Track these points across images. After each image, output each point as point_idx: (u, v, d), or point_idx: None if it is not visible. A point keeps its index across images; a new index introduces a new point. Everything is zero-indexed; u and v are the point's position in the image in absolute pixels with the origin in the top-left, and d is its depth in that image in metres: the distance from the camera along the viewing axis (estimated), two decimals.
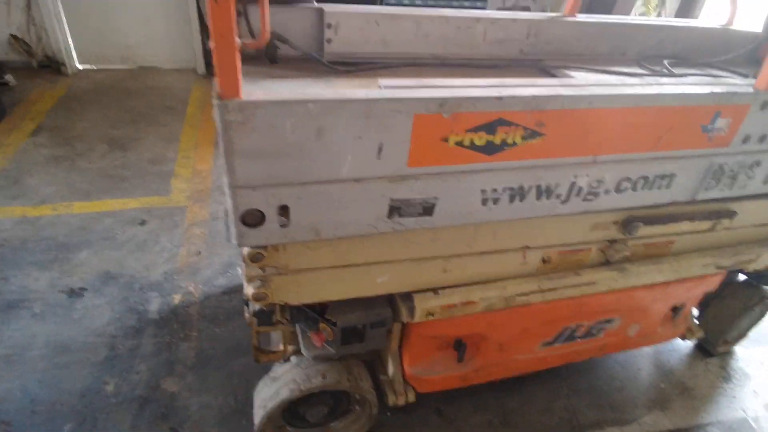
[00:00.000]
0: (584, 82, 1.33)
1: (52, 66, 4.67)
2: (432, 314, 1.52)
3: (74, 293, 2.39)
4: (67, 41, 4.72)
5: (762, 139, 1.48)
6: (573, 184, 1.35)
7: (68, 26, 4.70)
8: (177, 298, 2.42)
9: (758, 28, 2.31)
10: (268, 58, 1.81)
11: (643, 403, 2.16)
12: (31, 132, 3.65)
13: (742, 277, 2.30)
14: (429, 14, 1.92)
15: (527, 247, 1.56)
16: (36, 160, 3.33)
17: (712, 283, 1.98)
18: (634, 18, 2.32)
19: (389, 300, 1.61)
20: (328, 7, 1.79)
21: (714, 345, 2.36)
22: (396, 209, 1.21)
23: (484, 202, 1.28)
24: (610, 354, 2.37)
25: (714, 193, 1.57)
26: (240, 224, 1.11)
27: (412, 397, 1.81)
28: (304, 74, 1.62)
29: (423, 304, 1.49)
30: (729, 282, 2.32)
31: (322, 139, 1.04)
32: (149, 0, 4.81)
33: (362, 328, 1.59)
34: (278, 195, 1.09)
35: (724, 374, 2.35)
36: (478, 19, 1.98)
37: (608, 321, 1.89)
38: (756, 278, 2.23)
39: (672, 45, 2.30)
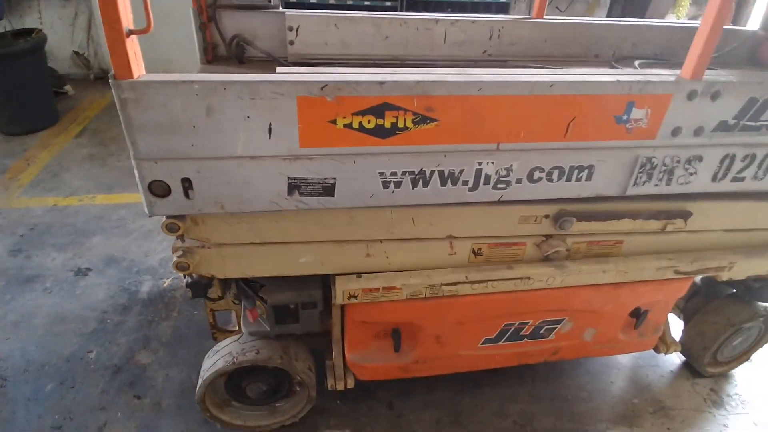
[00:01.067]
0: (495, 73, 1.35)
1: (106, 78, 5.25)
2: (354, 297, 1.58)
3: (80, 272, 2.67)
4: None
5: (698, 131, 1.42)
6: (479, 171, 1.37)
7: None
8: (167, 282, 2.64)
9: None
10: (236, 58, 1.99)
11: (608, 417, 2.05)
12: (76, 134, 4.13)
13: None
14: (388, 17, 2.02)
15: (452, 237, 1.58)
16: (74, 157, 3.77)
17: (677, 290, 1.87)
18: (607, 19, 2.27)
19: (324, 282, 1.68)
20: (289, 12, 1.95)
21: (700, 364, 2.19)
22: (295, 187, 1.30)
23: (386, 185, 1.34)
24: (577, 361, 2.27)
25: (648, 189, 1.51)
26: (148, 194, 1.25)
27: (351, 383, 1.85)
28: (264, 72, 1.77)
29: (344, 286, 1.55)
30: (715, 295, 2.16)
31: (212, 118, 1.16)
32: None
33: (295, 308, 1.67)
34: (179, 168, 1.22)
35: (715, 398, 2.17)
36: (437, 21, 2.05)
37: (556, 322, 1.84)
38: (746, 292, 2.06)
39: (651, 46, 2.24)
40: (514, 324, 1.81)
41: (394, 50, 2.09)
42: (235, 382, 1.81)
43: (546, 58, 2.20)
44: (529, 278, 1.66)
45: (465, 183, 1.38)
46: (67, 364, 2.16)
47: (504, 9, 5.95)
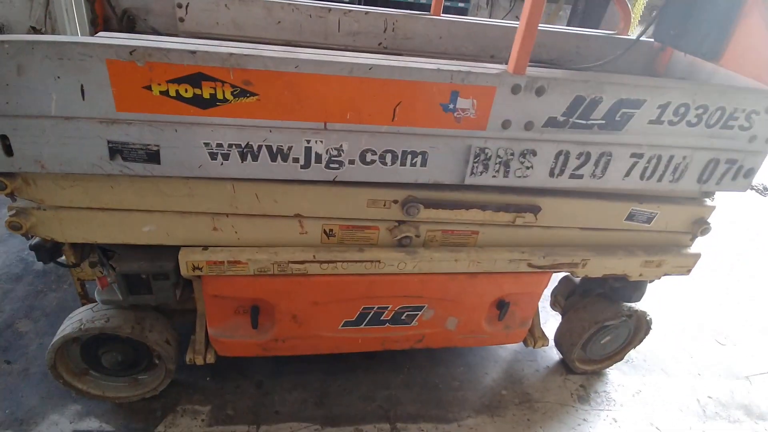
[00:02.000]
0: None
1: None
2: (199, 269, 1.60)
3: None
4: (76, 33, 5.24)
5: (529, 126, 1.47)
6: (309, 149, 1.40)
7: (78, 20, 5.22)
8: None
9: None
10: (127, 31, 2.00)
11: (473, 406, 2.10)
12: None
13: None
14: (279, 1, 2.05)
15: (301, 216, 1.61)
16: None
17: (536, 284, 1.93)
18: (504, 21, 2.33)
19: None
20: None
21: (570, 359, 2.26)
22: (117, 152, 1.32)
23: (213, 156, 1.36)
24: (456, 353, 2.32)
25: (486, 180, 1.56)
26: None
27: (211, 359, 1.87)
28: None
29: (188, 257, 1.57)
30: (589, 293, 2.23)
31: (23, 76, 1.17)
32: None
33: (146, 279, 1.69)
34: None
35: (582, 394, 2.24)
36: (329, 9, 2.09)
37: (417, 309, 1.88)
38: (611, 292, 2.14)
39: (547, 50, 2.31)
40: (373, 308, 1.85)
41: (287, 35, 2.12)
42: (92, 351, 1.81)
43: (441, 55, 2.25)
44: (379, 262, 1.70)
45: (296, 160, 1.41)
46: None
47: (462, 13, 6.06)
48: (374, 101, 1.35)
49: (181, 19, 2.02)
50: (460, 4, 5.59)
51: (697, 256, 1.98)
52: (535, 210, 1.73)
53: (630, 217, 1.85)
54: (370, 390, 2.11)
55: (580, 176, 1.62)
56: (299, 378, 2.11)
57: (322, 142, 1.39)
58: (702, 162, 1.66)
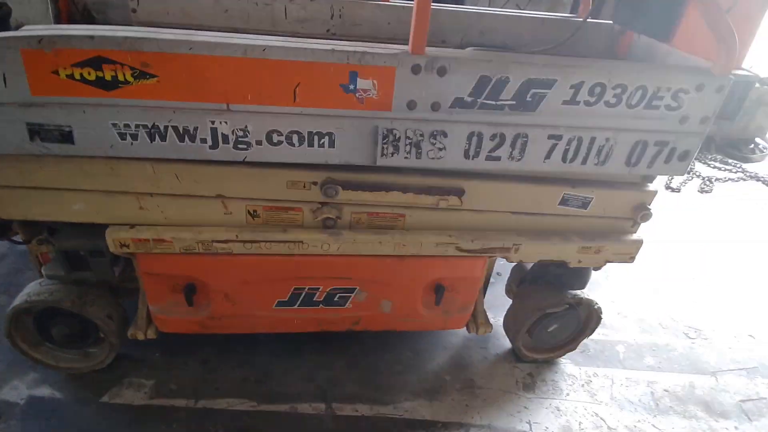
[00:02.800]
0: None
1: None
2: (126, 246, 1.68)
3: None
4: None
5: (435, 107, 1.47)
6: (214, 130, 1.45)
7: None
8: None
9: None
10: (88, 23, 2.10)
11: (413, 390, 2.12)
12: None
13: None
14: None
15: (223, 197, 1.66)
16: None
17: (469, 269, 1.92)
18: (454, 6, 2.30)
19: None
20: None
21: (517, 347, 2.23)
22: (35, 133, 1.40)
23: (122, 136, 1.43)
24: (406, 338, 2.34)
25: (399, 161, 1.57)
26: None
27: (152, 334, 1.96)
28: None
29: (114, 235, 1.66)
30: (536, 279, 2.21)
31: None
32: None
33: (84, 255, 1.78)
34: None
35: (529, 382, 2.21)
36: None
37: (348, 290, 1.91)
38: (556, 279, 2.10)
39: (499, 34, 2.28)
40: (305, 288, 1.89)
41: (235, 23, 2.17)
42: (44, 323, 1.93)
43: (391, 41, 2.25)
44: (302, 242, 1.74)
45: (203, 141, 1.46)
46: None
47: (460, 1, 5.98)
48: (273, 82, 1.38)
49: (134, 10, 2.10)
50: None
51: (639, 242, 1.92)
52: (459, 193, 1.72)
53: (564, 201, 1.82)
54: (313, 371, 2.15)
55: (498, 158, 1.60)
56: (245, 357, 2.18)
57: (226, 123, 1.44)
58: (628, 144, 1.62)
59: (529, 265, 2.28)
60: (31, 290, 1.83)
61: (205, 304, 1.91)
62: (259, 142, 1.49)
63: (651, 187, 1.85)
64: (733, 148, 4.87)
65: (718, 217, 3.80)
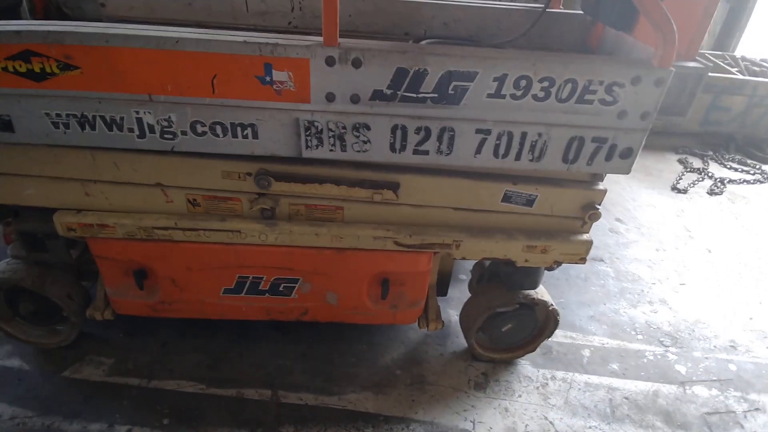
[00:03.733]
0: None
1: None
2: (73, 230, 1.76)
3: None
4: None
5: (355, 99, 1.46)
6: (140, 120, 1.49)
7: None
8: None
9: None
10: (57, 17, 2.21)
11: (361, 383, 2.12)
12: None
13: None
14: None
15: (162, 185, 1.72)
16: None
17: (413, 264, 1.89)
18: None
19: None
20: None
21: (470, 345, 2.20)
22: None
23: (55, 125, 1.50)
24: (364, 331, 2.34)
25: (324, 154, 1.57)
26: None
27: (109, 315, 2.05)
28: None
29: (62, 219, 1.74)
30: (493, 277, 2.16)
31: None
32: None
33: (42, 237, 1.89)
34: None
35: (481, 381, 2.18)
36: None
37: (292, 281, 1.93)
38: (509, 277, 2.04)
39: (464, 26, 2.23)
40: (249, 277, 1.93)
41: (198, 16, 2.22)
42: (13, 300, 2.06)
43: (352, 33, 2.25)
44: (240, 232, 1.77)
45: (131, 130, 1.52)
46: None
47: None
48: (190, 74, 1.41)
49: (103, 5, 2.19)
50: None
51: (588, 243, 1.84)
52: (394, 187, 1.71)
53: (506, 198, 1.77)
54: (266, 358, 2.20)
55: (426, 152, 1.58)
56: (203, 342, 2.25)
57: (150, 113, 1.48)
58: (563, 140, 1.55)
59: (488, 263, 2.23)
60: None
61: (155, 288, 1.99)
62: (184, 132, 1.52)
63: (600, 185, 1.77)
64: (754, 148, 4.56)
65: (718, 220, 3.58)
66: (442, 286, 2.23)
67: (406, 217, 1.81)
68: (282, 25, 2.24)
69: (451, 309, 2.50)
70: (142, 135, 1.53)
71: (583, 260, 1.89)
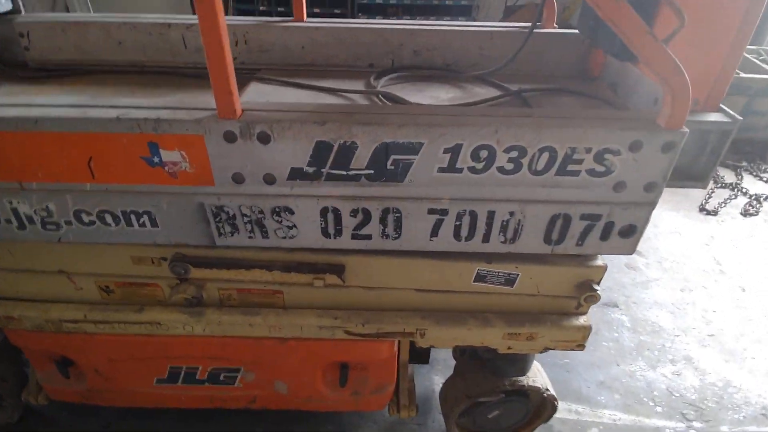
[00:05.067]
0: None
1: None
2: None
3: None
4: None
5: (270, 180, 1.15)
6: (15, 210, 1.22)
7: None
8: None
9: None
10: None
11: None
12: None
13: None
14: (116, 21, 1.88)
15: (65, 272, 1.45)
16: None
17: (373, 352, 1.58)
18: (380, 21, 1.92)
19: None
20: (20, 17, 1.89)
21: (450, 430, 1.87)
22: None
23: None
24: (331, 412, 2.03)
25: (243, 241, 1.27)
26: None
27: (42, 400, 1.83)
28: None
29: None
30: (474, 354, 1.82)
31: None
32: None
33: None
34: None
35: None
36: (169, 25, 1.88)
37: (232, 370, 1.65)
38: (491, 362, 1.70)
39: (438, 53, 1.88)
40: (182, 368, 1.66)
41: (132, 56, 1.94)
42: None
43: (308, 68, 1.93)
44: (159, 324, 1.49)
45: (8, 221, 1.25)
46: None
47: (466, 12, 5.55)
48: (61, 157, 1.13)
49: (27, 48, 1.94)
50: (463, 2, 5.08)
51: (587, 329, 1.49)
52: (338, 270, 1.39)
53: (480, 278, 1.43)
54: None
55: (368, 236, 1.26)
56: (151, 422, 2.00)
57: (24, 202, 1.21)
58: (542, 219, 1.20)
59: None
60: None
61: (82, 376, 1.74)
62: (68, 223, 1.25)
63: (599, 261, 1.41)
64: None
65: (753, 249, 3.11)
66: (421, 355, 1.91)
67: (359, 300, 1.50)
68: None
69: (436, 375, 2.18)
70: (21, 226, 1.26)
71: (581, 347, 1.53)
